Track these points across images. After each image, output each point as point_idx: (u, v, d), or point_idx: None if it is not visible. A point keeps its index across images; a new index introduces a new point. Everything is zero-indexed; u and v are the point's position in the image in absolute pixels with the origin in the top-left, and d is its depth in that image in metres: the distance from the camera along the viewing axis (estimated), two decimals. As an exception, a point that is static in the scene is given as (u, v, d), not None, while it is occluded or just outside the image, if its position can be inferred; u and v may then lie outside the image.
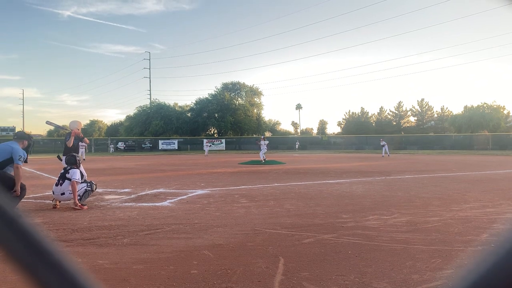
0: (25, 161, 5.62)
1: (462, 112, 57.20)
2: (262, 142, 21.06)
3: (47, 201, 7.13)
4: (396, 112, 70.23)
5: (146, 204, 6.78)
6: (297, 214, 5.66)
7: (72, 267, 0.36)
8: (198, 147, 51.26)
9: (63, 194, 6.45)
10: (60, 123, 8.63)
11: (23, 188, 5.67)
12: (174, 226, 4.92)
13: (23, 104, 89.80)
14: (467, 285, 0.29)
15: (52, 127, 9.88)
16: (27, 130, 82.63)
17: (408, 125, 69.52)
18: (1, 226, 0.36)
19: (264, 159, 20.35)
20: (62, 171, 6.70)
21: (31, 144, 5.98)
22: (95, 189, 6.95)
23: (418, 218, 5.27)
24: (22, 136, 5.90)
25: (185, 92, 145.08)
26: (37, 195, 8.03)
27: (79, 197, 6.41)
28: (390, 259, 3.47)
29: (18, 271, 0.35)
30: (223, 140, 53.71)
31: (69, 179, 6.48)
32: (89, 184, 6.68)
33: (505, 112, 55.58)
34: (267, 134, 67.34)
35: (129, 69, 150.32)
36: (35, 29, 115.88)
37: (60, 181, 6.51)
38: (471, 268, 0.30)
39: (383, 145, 28.55)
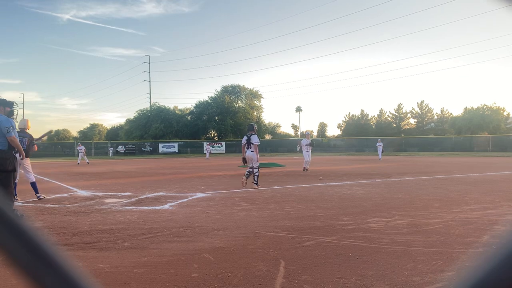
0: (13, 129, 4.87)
1: (462, 114, 57.23)
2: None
3: (47, 205, 7.13)
4: (396, 114, 70.31)
5: (146, 207, 6.77)
6: (298, 217, 5.66)
7: (73, 270, 0.36)
8: (199, 150, 51.29)
9: (252, 151, 9.39)
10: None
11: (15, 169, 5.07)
12: (175, 230, 4.91)
13: (23, 108, 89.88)
14: (468, 286, 0.29)
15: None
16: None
17: (408, 127, 69.60)
18: (1, 228, 0.36)
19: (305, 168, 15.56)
20: (246, 137, 9.49)
21: (13, 110, 5.32)
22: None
23: (418, 220, 5.26)
24: (0, 103, 5.06)
25: (185, 95, 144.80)
26: (37, 199, 8.01)
27: (255, 182, 9.36)
28: (391, 261, 3.46)
29: (18, 275, 0.35)
30: (223, 143, 53.73)
31: (251, 143, 9.28)
32: (257, 169, 9.43)
33: (505, 113, 55.62)
34: (267, 136, 67.11)
35: (129, 73, 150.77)
36: (34, 33, 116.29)
37: (247, 146, 9.40)
38: (471, 269, 0.30)
39: (379, 146, 27.18)
